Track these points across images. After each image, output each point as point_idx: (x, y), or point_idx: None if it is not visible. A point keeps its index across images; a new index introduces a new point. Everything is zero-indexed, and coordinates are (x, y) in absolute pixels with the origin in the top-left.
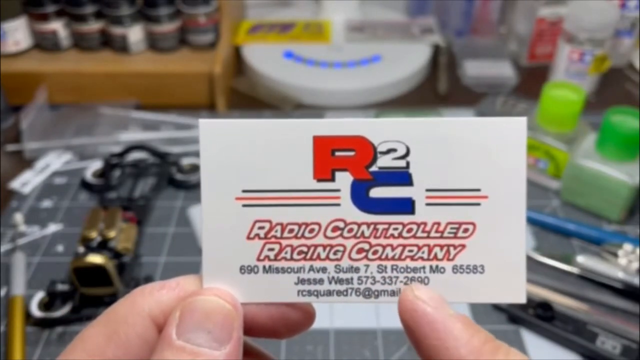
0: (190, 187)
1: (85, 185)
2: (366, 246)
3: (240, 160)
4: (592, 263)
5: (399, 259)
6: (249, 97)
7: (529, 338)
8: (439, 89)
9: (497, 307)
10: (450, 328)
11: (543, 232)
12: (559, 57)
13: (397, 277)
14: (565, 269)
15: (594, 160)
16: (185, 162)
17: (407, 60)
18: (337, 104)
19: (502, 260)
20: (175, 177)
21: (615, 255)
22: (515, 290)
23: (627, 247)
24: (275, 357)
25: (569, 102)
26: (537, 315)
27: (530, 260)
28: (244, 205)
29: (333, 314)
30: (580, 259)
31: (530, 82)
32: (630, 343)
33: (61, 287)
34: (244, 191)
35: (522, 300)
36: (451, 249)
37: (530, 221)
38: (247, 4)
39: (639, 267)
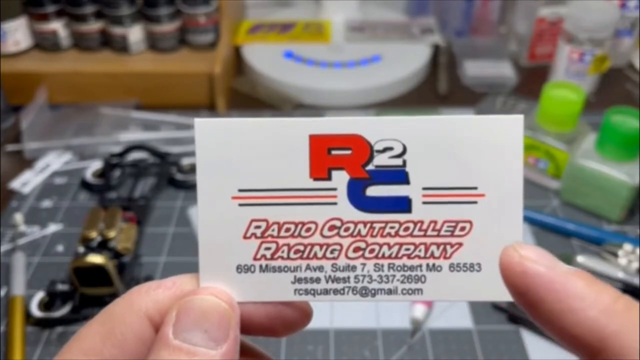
0: (190, 187)
1: (85, 185)
2: (363, 245)
3: (236, 160)
4: (592, 263)
5: (396, 257)
6: (249, 97)
7: (529, 338)
8: (439, 89)
9: (497, 307)
10: (572, 287)
11: (543, 232)
12: (559, 57)
13: (393, 276)
14: None
15: (594, 160)
16: (185, 162)
17: (407, 60)
18: (337, 104)
19: (499, 258)
20: (175, 177)
21: (615, 255)
22: None
23: (627, 247)
24: (273, 357)
25: (569, 102)
26: None
27: None
28: (240, 205)
29: (333, 314)
30: (580, 259)
31: (530, 82)
32: None
33: (61, 287)
34: (240, 190)
35: None
36: (448, 247)
37: (530, 221)
38: (247, 4)
39: (639, 267)
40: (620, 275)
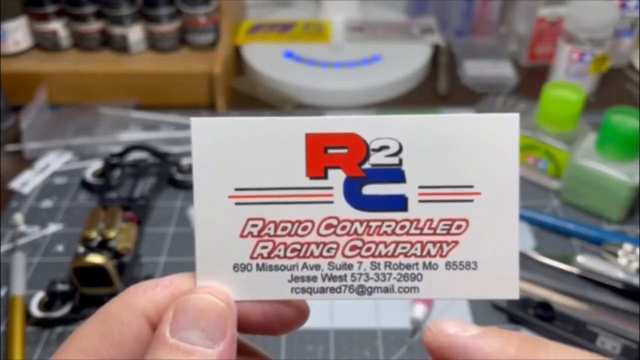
0: (190, 187)
1: (85, 185)
2: (359, 243)
3: (232, 158)
4: (592, 263)
5: (392, 255)
6: (249, 97)
7: None
8: (439, 89)
9: (497, 307)
10: (480, 346)
11: (543, 232)
12: (559, 57)
13: (390, 274)
14: (565, 269)
15: (594, 160)
16: (185, 162)
17: (407, 60)
18: (337, 104)
19: (495, 256)
20: (175, 177)
21: (615, 255)
22: (508, 285)
23: (627, 247)
24: (271, 356)
25: (569, 102)
26: (537, 315)
27: (530, 260)
28: (237, 204)
29: (333, 314)
30: (580, 259)
31: (530, 82)
32: (630, 343)
33: (61, 287)
34: (237, 189)
35: (515, 296)
36: (444, 245)
37: (530, 221)
38: (247, 4)
39: (639, 267)
40: (620, 275)
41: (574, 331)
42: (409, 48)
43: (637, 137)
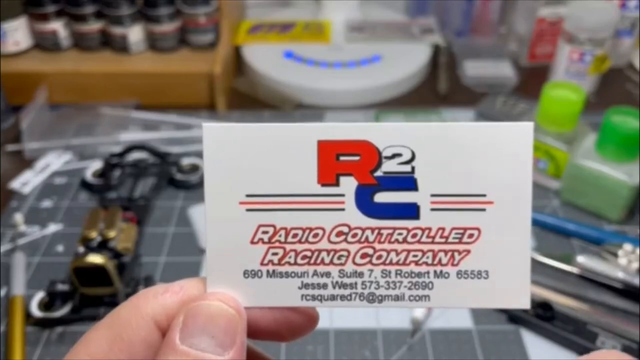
0: (190, 187)
1: (85, 185)
2: (370, 251)
3: (244, 165)
4: (592, 263)
5: (403, 264)
6: (249, 97)
7: (529, 338)
8: (439, 89)
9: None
10: None
11: (543, 232)
12: (559, 57)
13: (401, 282)
14: (565, 269)
15: (594, 160)
16: (185, 162)
17: (407, 60)
18: (337, 104)
19: (506, 265)
20: (175, 177)
21: (615, 255)
22: (519, 295)
23: (627, 247)
24: (273, 357)
25: (569, 102)
26: (537, 315)
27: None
28: (248, 210)
29: (333, 314)
30: (580, 259)
31: (530, 82)
32: (630, 343)
33: (61, 287)
34: (248, 195)
35: (527, 305)
36: (456, 254)
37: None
38: (247, 4)
39: (639, 267)
40: (620, 275)
41: (574, 331)
42: (409, 48)
43: (637, 137)
